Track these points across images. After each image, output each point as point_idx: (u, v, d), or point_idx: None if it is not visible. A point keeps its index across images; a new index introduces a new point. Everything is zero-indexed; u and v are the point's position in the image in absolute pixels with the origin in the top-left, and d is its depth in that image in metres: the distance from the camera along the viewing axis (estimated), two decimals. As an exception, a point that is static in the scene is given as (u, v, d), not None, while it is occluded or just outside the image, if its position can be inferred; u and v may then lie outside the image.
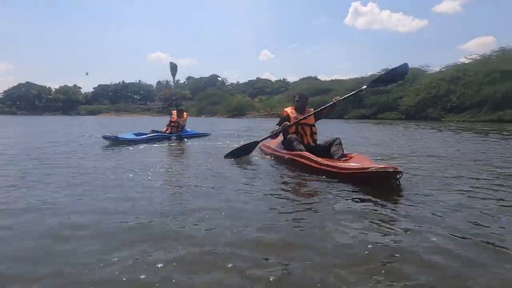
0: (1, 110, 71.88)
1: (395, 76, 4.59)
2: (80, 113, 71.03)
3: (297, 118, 4.44)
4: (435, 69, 31.55)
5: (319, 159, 3.64)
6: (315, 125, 4.52)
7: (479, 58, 27.23)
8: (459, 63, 28.50)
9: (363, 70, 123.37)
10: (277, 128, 4.55)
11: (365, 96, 32.28)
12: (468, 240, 1.86)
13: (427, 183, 3.24)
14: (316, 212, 2.43)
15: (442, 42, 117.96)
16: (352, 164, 3.37)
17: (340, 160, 3.74)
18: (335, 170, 3.35)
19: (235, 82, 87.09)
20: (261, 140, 4.95)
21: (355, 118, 30.48)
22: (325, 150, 4.09)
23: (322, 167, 3.52)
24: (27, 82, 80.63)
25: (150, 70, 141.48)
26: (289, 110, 4.64)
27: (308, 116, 4.45)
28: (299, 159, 3.91)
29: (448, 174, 3.74)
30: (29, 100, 78.14)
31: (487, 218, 2.24)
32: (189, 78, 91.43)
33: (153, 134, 8.11)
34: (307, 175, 3.59)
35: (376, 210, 2.44)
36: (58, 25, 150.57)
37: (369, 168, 3.06)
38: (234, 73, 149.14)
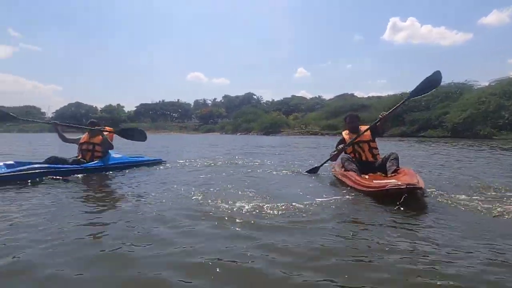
0: (52, 129, 77.14)
1: (430, 84, 4.68)
2: (123, 131, 74.29)
3: (352, 139, 4.62)
4: (482, 84, 29.50)
5: (355, 177, 3.82)
6: (374, 141, 4.63)
7: (535, 70, 25.00)
8: (511, 76, 26.35)
9: (402, 86, 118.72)
10: (334, 151, 4.79)
11: (405, 112, 30.81)
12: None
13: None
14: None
15: (489, 56, 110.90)
16: (375, 183, 3.44)
17: (389, 175, 3.87)
18: (361, 188, 3.55)
19: (270, 100, 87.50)
20: (321, 165, 5.27)
21: (394, 135, 28.96)
22: (382, 165, 4.21)
23: (352, 184, 3.78)
24: (76, 102, 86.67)
25: (189, 89, 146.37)
26: (344, 133, 4.83)
27: (358, 135, 4.58)
28: (343, 178, 4.19)
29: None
30: (77, 119, 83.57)
31: None
32: (225, 96, 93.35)
33: (37, 165, 4.65)
34: (353, 193, 3.59)
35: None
36: (103, 49, 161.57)
37: (384, 186, 3.19)
38: (269, 92, 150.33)
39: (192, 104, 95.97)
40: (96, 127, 5.52)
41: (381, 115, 4.58)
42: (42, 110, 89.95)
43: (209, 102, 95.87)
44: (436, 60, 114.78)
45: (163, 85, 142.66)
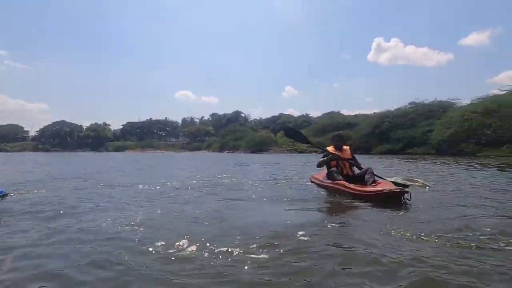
0: (35, 147, 75.30)
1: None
2: (108, 150, 73.30)
3: (337, 154, 5.45)
4: (464, 102, 30.12)
5: (351, 185, 4.62)
6: (353, 160, 5.48)
7: (515, 89, 25.58)
8: (492, 95, 27.01)
9: (388, 104, 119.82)
10: (324, 158, 5.52)
11: (391, 130, 31.21)
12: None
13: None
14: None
15: (469, 75, 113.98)
16: (374, 188, 4.32)
17: (370, 185, 4.65)
18: (361, 193, 4.34)
19: (258, 118, 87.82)
20: (314, 144, 6.78)
21: (381, 153, 29.09)
22: (360, 178, 5.08)
23: (352, 191, 4.51)
24: (61, 120, 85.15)
25: (177, 107, 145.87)
26: (330, 148, 5.60)
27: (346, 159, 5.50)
28: (337, 186, 4.94)
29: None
30: (61, 137, 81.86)
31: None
32: (213, 114, 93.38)
33: None
34: (344, 198, 4.55)
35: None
36: (88, 67, 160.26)
37: (383, 190, 4.03)
38: (257, 110, 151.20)
39: (180, 122, 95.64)
40: None
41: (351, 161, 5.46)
42: (25, 129, 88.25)
43: (197, 120, 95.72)
44: (421, 79, 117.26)
45: (151, 104, 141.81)
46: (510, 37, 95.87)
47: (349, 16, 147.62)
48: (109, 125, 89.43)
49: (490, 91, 28.95)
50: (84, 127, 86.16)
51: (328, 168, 5.53)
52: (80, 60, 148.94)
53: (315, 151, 36.46)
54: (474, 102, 27.52)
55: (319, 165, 5.60)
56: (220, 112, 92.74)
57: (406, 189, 3.97)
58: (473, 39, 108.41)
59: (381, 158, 20.92)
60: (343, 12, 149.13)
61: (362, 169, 5.24)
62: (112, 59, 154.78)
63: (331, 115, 58.80)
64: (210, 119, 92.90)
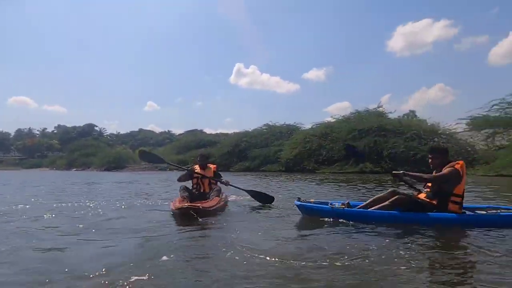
0: None
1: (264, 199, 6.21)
2: None
3: (199, 172, 5.89)
4: (307, 126, 35.32)
5: (177, 202, 5.04)
6: (214, 178, 5.94)
7: (341, 117, 31.66)
8: (326, 121, 32.57)
9: (246, 125, 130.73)
10: (184, 173, 6.07)
11: (248, 149, 33.77)
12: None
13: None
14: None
15: (311, 104, 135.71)
16: (180, 204, 4.80)
17: (206, 201, 5.16)
18: (177, 209, 4.76)
19: (115, 132, 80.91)
20: (168, 163, 7.45)
21: (240, 170, 30.89)
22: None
23: (173, 207, 4.98)
24: None
25: (10, 116, 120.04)
26: (196, 166, 6.05)
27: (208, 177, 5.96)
28: (173, 202, 5.28)
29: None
30: None
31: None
32: (58, 126, 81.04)
33: None
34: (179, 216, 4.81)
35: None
36: None
37: (180, 206, 4.69)
38: (115, 124, 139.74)
39: (13, 134, 79.15)
40: None
41: (226, 182, 5.98)
42: None
43: (37, 132, 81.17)
44: (275, 105, 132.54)
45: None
46: (337, 75, 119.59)
47: (214, 39, 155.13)
48: None
49: (325, 119, 34.72)
50: None
51: (192, 185, 5.94)
52: None
53: (177, 169, 35.86)
54: (313, 127, 32.58)
55: (178, 180, 6.04)
56: (69, 124, 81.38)
57: (199, 206, 4.58)
58: (313, 74, 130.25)
59: (239, 175, 22.17)
60: (209, 35, 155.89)
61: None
62: None
63: (194, 132, 59.49)
64: (56, 131, 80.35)
